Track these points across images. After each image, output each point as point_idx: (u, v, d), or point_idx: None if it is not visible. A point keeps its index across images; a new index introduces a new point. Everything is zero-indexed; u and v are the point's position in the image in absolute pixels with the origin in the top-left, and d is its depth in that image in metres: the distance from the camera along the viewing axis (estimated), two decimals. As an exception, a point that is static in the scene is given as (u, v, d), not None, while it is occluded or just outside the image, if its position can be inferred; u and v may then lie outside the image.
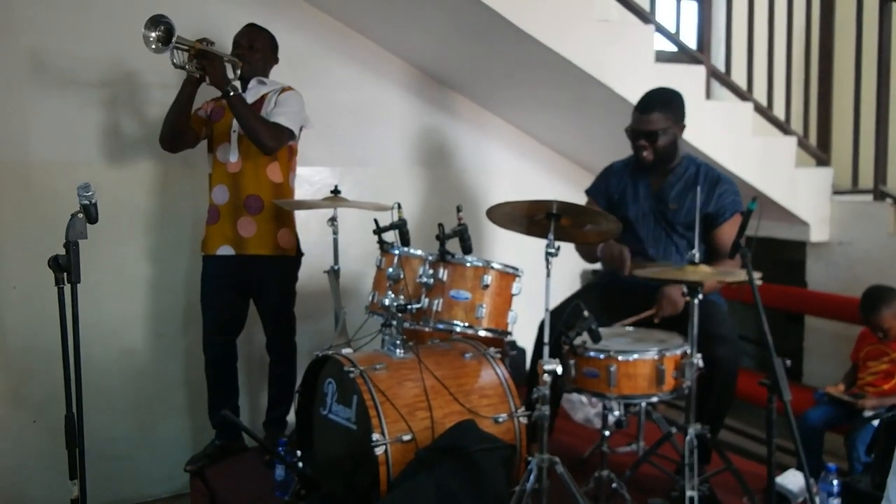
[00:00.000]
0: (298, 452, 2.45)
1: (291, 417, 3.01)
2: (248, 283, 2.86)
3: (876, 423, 2.65)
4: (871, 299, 2.89)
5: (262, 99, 2.83)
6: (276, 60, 2.96)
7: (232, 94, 2.62)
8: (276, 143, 2.72)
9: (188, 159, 3.06)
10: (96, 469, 1.90)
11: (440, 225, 2.39)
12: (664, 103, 2.63)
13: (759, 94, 3.66)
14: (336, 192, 2.80)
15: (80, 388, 1.93)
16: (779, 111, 3.73)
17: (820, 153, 3.87)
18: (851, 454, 2.72)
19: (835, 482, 2.35)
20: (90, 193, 1.95)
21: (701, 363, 2.23)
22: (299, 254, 2.98)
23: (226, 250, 2.80)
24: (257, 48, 2.85)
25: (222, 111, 2.84)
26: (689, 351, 2.21)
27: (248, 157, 2.78)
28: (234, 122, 2.76)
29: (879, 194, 3.61)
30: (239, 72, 2.81)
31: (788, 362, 1.95)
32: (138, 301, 3.14)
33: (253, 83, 2.86)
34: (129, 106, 3.06)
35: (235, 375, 3.01)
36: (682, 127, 2.68)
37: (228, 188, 2.80)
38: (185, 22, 2.99)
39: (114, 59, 3.00)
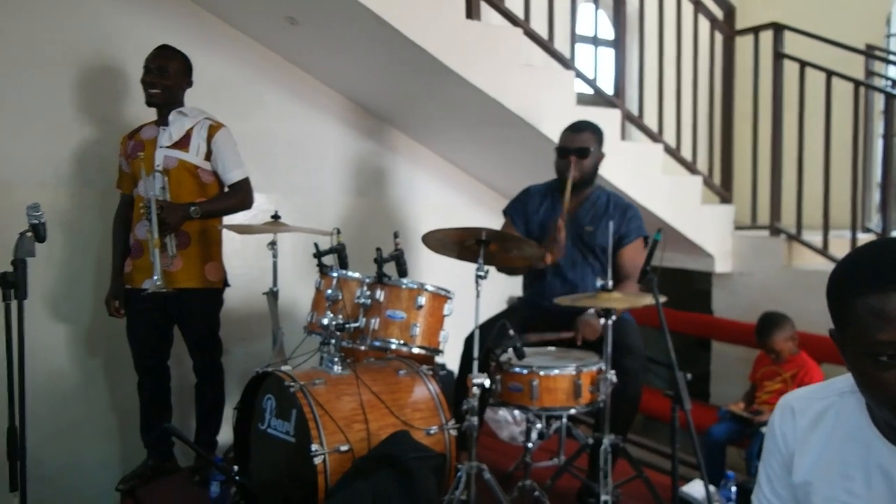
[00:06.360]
0: (235, 467, 2.52)
1: (221, 438, 3.07)
2: (172, 312, 2.86)
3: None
4: (764, 325, 3.20)
5: (188, 135, 2.79)
6: (189, 84, 2.88)
7: (197, 215, 2.71)
8: (250, 200, 2.87)
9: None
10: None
11: (378, 249, 2.54)
12: (593, 128, 2.91)
13: (669, 136, 4.00)
14: (276, 217, 2.91)
15: (24, 401, 1.97)
16: (686, 153, 4.08)
17: (723, 192, 4.24)
18: (749, 463, 2.99)
19: (733, 488, 2.60)
20: (39, 213, 2.03)
21: (615, 379, 2.44)
22: (225, 285, 2.98)
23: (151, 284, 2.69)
24: (168, 73, 2.77)
25: (140, 146, 2.79)
26: (603, 367, 2.43)
27: (176, 194, 2.76)
28: (158, 157, 2.75)
29: (775, 230, 3.98)
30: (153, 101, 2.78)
31: (689, 376, 2.19)
32: (68, 323, 3.13)
33: (174, 116, 2.80)
34: (86, 131, 3.10)
35: (168, 395, 3.02)
36: (603, 155, 2.94)
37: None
38: (121, 54, 3.10)
39: (74, 86, 3.05)
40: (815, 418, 1.20)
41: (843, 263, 1.06)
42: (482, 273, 2.27)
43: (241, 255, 3.36)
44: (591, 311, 2.65)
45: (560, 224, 2.75)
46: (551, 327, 2.72)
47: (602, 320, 2.54)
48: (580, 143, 2.85)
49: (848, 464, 1.13)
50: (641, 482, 2.56)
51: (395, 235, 2.59)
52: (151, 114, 2.86)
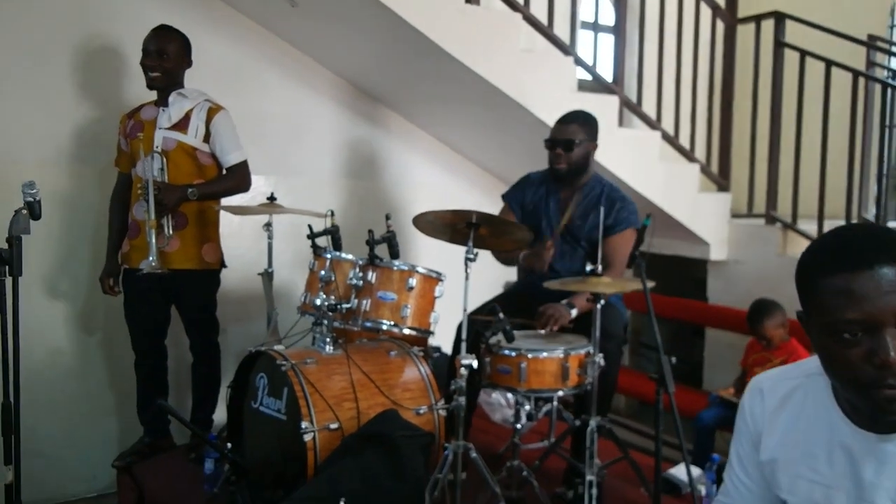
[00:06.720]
0: (229, 445, 2.56)
1: (217, 417, 3.11)
2: (169, 292, 2.89)
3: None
4: (756, 311, 3.21)
5: (187, 116, 2.80)
6: (189, 64, 2.87)
7: (195, 196, 2.72)
8: (247, 183, 2.89)
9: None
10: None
11: (370, 231, 2.57)
12: (582, 119, 2.91)
13: (667, 124, 4.00)
14: (272, 198, 2.94)
15: (18, 377, 2.01)
16: (684, 140, 4.08)
17: (720, 180, 4.25)
18: (735, 448, 3.02)
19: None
20: (34, 191, 2.05)
21: (603, 362, 2.47)
22: (222, 266, 3.00)
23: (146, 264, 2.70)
24: (168, 55, 2.76)
25: (139, 127, 2.80)
26: (591, 351, 2.46)
27: (174, 176, 2.77)
28: (157, 139, 2.76)
29: (771, 219, 3.99)
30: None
31: (674, 359, 2.21)
32: (66, 301, 3.16)
33: (174, 97, 2.81)
34: (86, 110, 3.13)
35: (165, 374, 3.05)
36: (595, 145, 2.95)
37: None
38: (121, 33, 3.12)
39: (74, 64, 3.08)
40: (783, 398, 1.23)
41: (813, 246, 1.09)
42: (471, 256, 2.29)
43: (237, 236, 3.39)
44: (564, 301, 2.67)
45: (549, 244, 2.74)
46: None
47: (573, 312, 2.59)
48: (566, 136, 2.85)
49: (812, 443, 1.16)
50: (627, 464, 2.60)
51: (387, 217, 2.62)
52: (151, 93, 2.88)
